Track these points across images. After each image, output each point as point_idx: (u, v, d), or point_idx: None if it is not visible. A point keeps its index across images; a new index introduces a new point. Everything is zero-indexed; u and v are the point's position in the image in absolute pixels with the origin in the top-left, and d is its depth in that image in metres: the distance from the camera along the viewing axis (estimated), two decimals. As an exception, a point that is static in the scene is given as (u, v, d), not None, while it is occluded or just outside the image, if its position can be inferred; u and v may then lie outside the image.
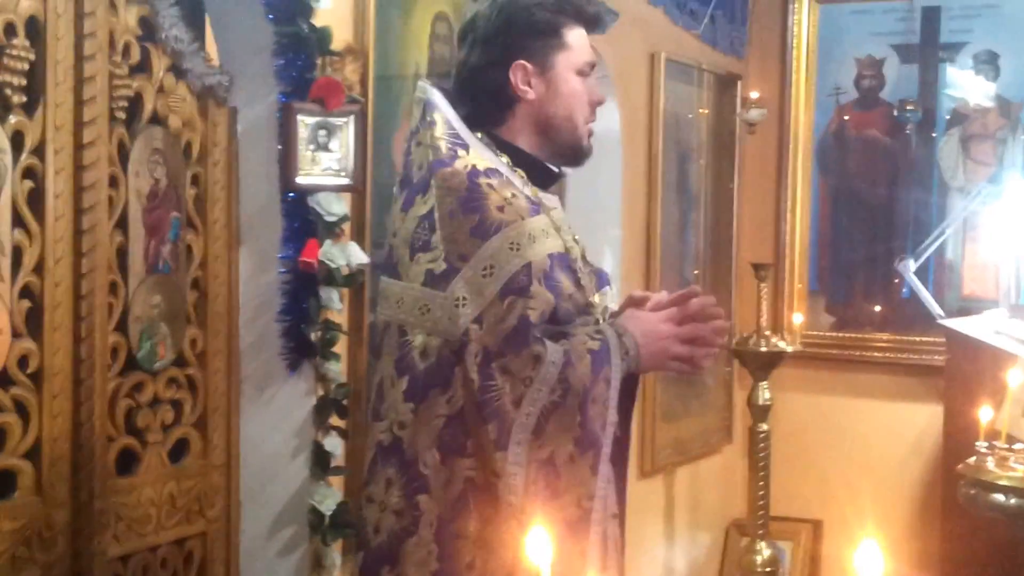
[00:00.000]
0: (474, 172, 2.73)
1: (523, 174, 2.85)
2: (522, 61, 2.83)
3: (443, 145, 2.77)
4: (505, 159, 2.84)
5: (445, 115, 2.82)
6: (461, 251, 2.66)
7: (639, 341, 2.74)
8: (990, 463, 3.43)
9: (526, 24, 2.83)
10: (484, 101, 2.86)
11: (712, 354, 2.84)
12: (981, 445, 3.49)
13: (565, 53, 2.85)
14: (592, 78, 2.92)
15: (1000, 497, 3.38)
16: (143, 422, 3.49)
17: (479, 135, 2.84)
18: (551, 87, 2.85)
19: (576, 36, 2.88)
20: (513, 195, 2.74)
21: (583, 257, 2.90)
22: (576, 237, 2.91)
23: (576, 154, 2.93)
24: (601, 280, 2.94)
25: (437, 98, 2.84)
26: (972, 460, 3.54)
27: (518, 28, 2.83)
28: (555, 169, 2.93)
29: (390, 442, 2.75)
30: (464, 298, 2.64)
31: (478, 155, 2.79)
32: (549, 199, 2.89)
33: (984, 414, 3.54)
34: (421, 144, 2.82)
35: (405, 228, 2.78)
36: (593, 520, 2.64)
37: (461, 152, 2.77)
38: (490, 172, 2.76)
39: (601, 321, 2.82)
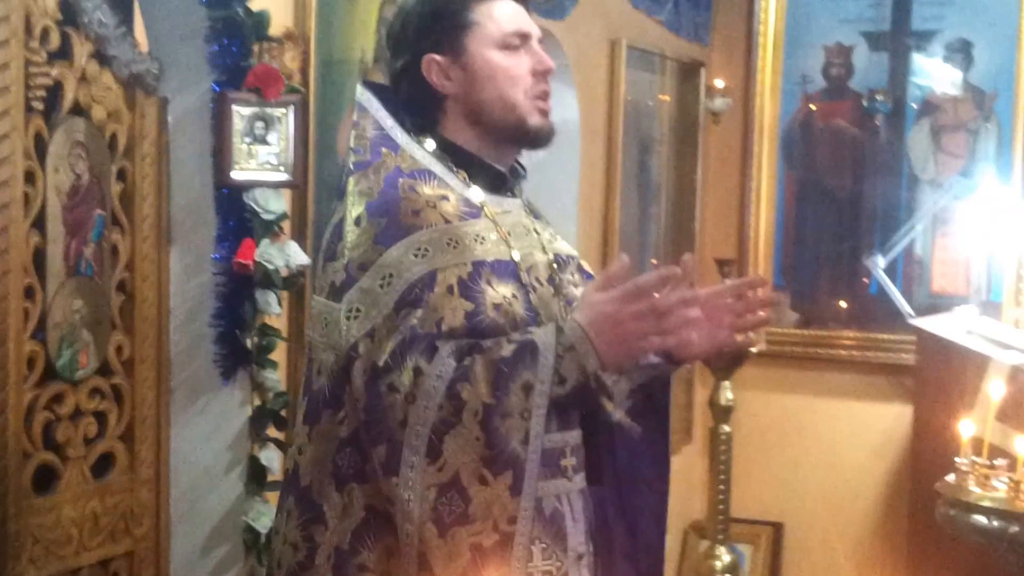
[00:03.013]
0: (395, 174, 2.55)
1: (465, 176, 2.63)
2: (431, 55, 2.62)
3: (366, 148, 2.59)
4: (440, 160, 2.62)
5: (375, 116, 2.63)
6: (362, 260, 2.46)
7: (589, 331, 2.40)
8: (971, 483, 3.28)
9: (425, 15, 2.64)
10: (414, 105, 2.66)
11: (690, 324, 2.46)
12: (961, 462, 3.34)
13: (476, 31, 2.61)
14: (531, 47, 2.65)
15: (982, 519, 3.27)
16: (63, 436, 3.29)
17: (421, 138, 2.64)
18: (469, 72, 2.61)
19: (489, 10, 2.62)
20: (443, 197, 2.54)
21: (554, 266, 2.66)
22: (546, 245, 2.69)
23: (526, 134, 2.64)
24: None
25: (367, 100, 2.66)
26: (951, 478, 3.39)
27: (419, 21, 2.64)
28: (500, 168, 2.69)
29: (291, 469, 2.60)
30: (358, 309, 2.43)
31: (409, 156, 2.60)
32: (504, 203, 2.67)
33: (965, 428, 3.36)
34: (350, 150, 2.64)
35: (325, 238, 2.61)
36: (517, 544, 2.39)
37: (386, 153, 2.59)
38: (417, 174, 2.56)
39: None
